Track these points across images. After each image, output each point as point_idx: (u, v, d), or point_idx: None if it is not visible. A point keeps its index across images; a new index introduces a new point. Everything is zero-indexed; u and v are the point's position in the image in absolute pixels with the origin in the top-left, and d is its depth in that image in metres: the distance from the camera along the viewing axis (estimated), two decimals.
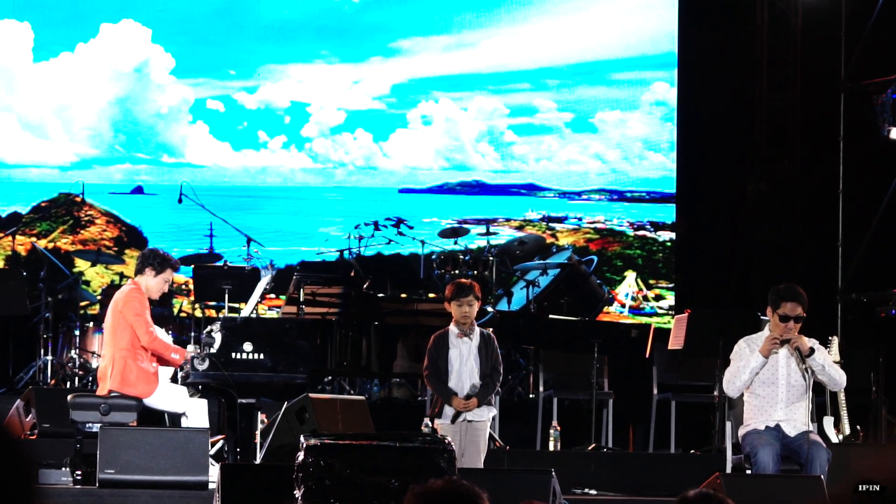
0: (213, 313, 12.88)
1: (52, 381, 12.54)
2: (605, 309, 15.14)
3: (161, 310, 12.39)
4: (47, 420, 10.84)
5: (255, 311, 11.74)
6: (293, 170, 15.62)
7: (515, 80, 15.81)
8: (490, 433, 10.05)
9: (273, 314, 13.90)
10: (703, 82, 15.36)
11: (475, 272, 13.45)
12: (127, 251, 14.96)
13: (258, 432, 10.24)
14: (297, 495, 7.62)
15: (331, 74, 15.65)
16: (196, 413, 10.01)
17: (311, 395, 10.64)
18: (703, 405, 12.08)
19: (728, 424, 9.53)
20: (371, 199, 15.68)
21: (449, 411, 9.48)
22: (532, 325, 12.84)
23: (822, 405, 10.71)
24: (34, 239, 14.75)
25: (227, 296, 12.40)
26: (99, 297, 13.38)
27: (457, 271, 13.38)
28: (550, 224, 15.73)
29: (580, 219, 15.77)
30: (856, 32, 14.05)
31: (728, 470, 9.37)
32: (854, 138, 14.26)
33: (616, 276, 15.58)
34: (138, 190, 15.32)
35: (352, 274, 13.63)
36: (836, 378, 9.18)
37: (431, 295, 13.26)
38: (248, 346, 10.84)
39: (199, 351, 10.50)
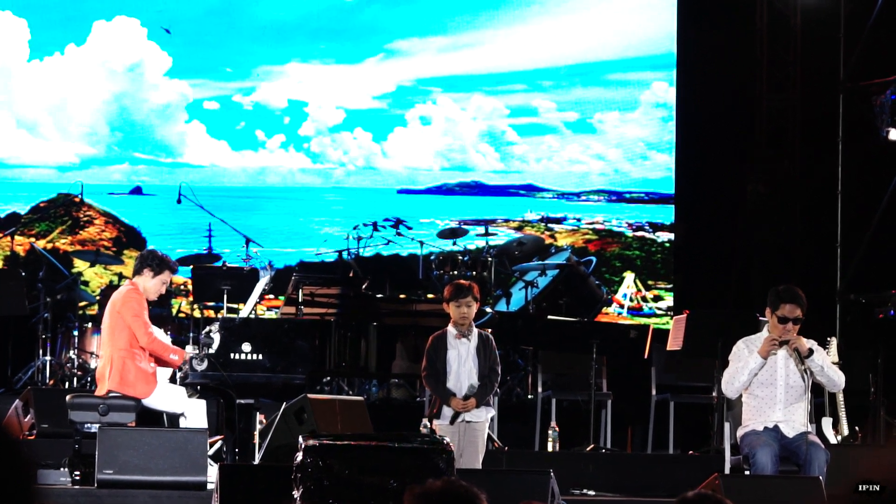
0: (211, 314, 12.88)
1: (51, 382, 12.54)
2: (604, 310, 15.13)
3: (160, 310, 12.39)
4: (46, 420, 10.83)
5: (253, 312, 11.76)
6: (292, 170, 15.62)
7: (515, 80, 15.82)
8: (488, 434, 10.07)
9: (272, 315, 13.90)
10: (703, 83, 15.35)
11: (474, 273, 13.45)
12: (126, 252, 14.94)
13: (257, 433, 10.24)
14: (295, 496, 7.63)
15: (330, 74, 15.65)
16: (195, 413, 10.00)
17: (310, 395, 10.63)
18: (702, 406, 12.07)
19: (727, 425, 9.56)
20: (370, 199, 15.68)
21: (447, 412, 9.50)
22: (531, 326, 12.84)
23: (820, 406, 10.73)
24: (33, 239, 14.74)
25: (225, 296, 12.39)
26: (98, 298, 13.38)
27: (455, 272, 13.38)
28: (549, 225, 15.72)
29: (579, 219, 15.77)
30: (855, 33, 14.04)
31: (727, 471, 9.40)
32: (853, 139, 14.25)
33: (615, 276, 15.58)
34: (137, 190, 15.31)
35: (350, 274, 13.62)
36: (835, 379, 9.19)
37: (430, 296, 13.25)
38: (246, 347, 10.85)
39: (197, 351, 10.50)
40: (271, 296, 13.67)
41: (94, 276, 14.65)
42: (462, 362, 9.57)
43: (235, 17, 15.67)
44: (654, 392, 12.51)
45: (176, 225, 15.07)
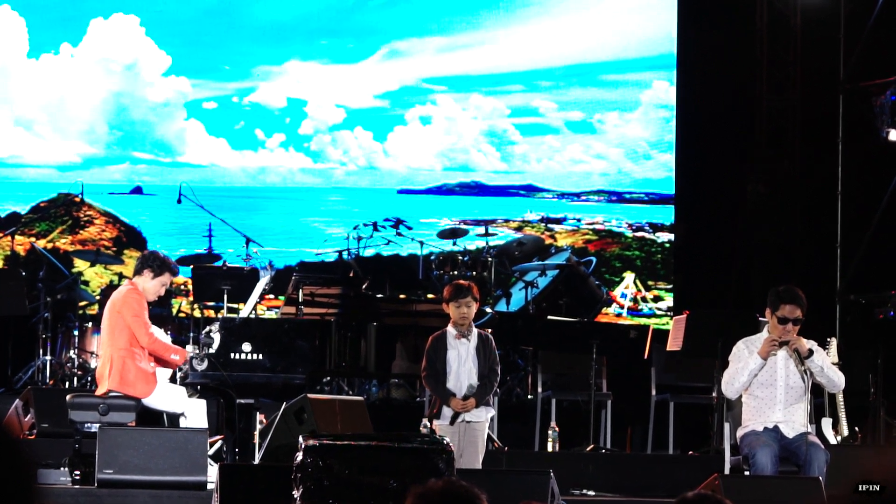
0: (211, 314, 12.89)
1: (51, 381, 12.55)
2: (604, 310, 15.14)
3: (160, 310, 12.40)
4: (46, 420, 10.84)
5: (253, 312, 11.77)
6: (292, 170, 15.63)
7: (515, 80, 15.83)
8: (488, 434, 10.07)
9: (272, 315, 13.91)
10: (703, 83, 15.36)
11: (474, 273, 13.45)
12: (126, 251, 14.95)
13: (257, 433, 10.25)
14: (295, 496, 7.64)
15: (329, 74, 15.65)
16: (195, 413, 10.01)
17: (310, 395, 10.62)
18: (702, 406, 12.08)
19: (726, 426, 9.56)
20: (370, 199, 15.69)
21: (447, 412, 9.50)
22: (531, 326, 12.86)
23: (820, 406, 10.73)
24: (33, 239, 14.74)
25: (225, 296, 12.40)
26: (98, 298, 13.38)
27: (455, 272, 13.38)
28: (549, 225, 15.73)
29: (579, 220, 15.77)
30: (855, 34, 14.05)
31: (726, 471, 9.40)
32: (853, 139, 14.26)
33: (615, 277, 15.59)
34: (137, 190, 15.31)
35: (350, 274, 13.63)
36: (835, 380, 9.20)
37: (430, 296, 13.27)
38: (246, 347, 10.87)
39: (198, 351, 10.51)
40: (271, 296, 13.67)
41: (95, 276, 14.65)
42: (462, 362, 9.58)
43: (235, 17, 15.68)
44: (653, 392, 12.52)
45: (176, 225, 15.07)
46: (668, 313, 15.10)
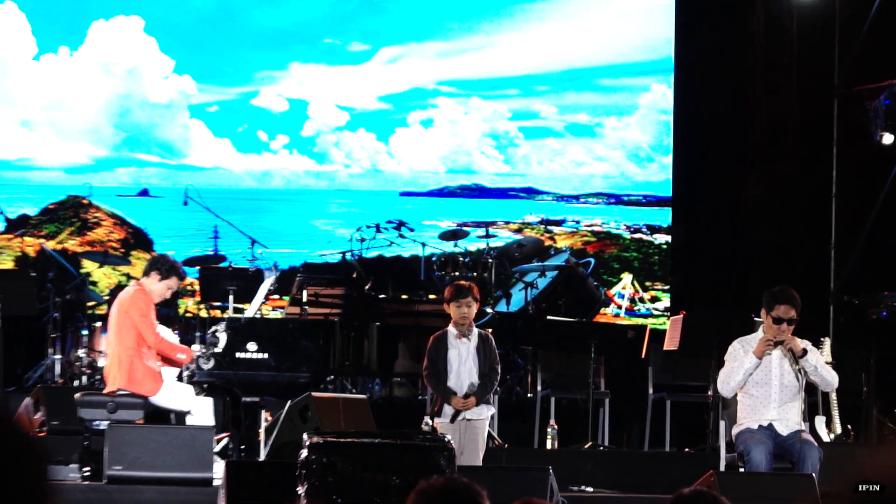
0: (218, 314, 12.87)
1: (61, 380, 12.54)
2: (602, 310, 15.11)
3: (167, 310, 12.39)
4: (56, 418, 10.90)
5: (259, 312, 11.80)
6: (296, 172, 15.62)
7: (516, 84, 15.84)
8: (489, 431, 10.10)
9: (277, 315, 13.90)
10: (701, 87, 15.33)
11: (474, 274, 13.41)
12: (133, 253, 14.93)
13: (262, 430, 10.29)
14: (300, 492, 7.69)
15: (333, 77, 15.66)
16: (201, 411, 10.07)
17: (314, 393, 10.67)
18: (698, 405, 12.07)
19: (722, 424, 9.56)
20: (373, 201, 15.69)
21: (448, 410, 9.53)
22: (530, 326, 12.88)
23: (814, 405, 10.73)
24: (42, 240, 14.72)
25: (231, 296, 12.43)
26: (106, 298, 13.33)
27: (456, 273, 13.34)
28: (549, 227, 15.69)
29: (578, 222, 15.74)
30: (850, 39, 13.99)
31: (722, 468, 9.42)
32: (847, 143, 14.21)
33: (613, 278, 15.58)
34: (144, 193, 15.29)
35: (354, 275, 13.61)
36: (829, 379, 9.24)
37: (432, 296, 13.20)
38: (252, 346, 10.93)
39: (204, 350, 10.60)
40: (276, 296, 13.64)
41: (103, 277, 14.59)
42: (462, 361, 9.61)
43: (239, 21, 15.66)
44: (651, 391, 12.53)
45: (182, 227, 15.05)
46: (665, 313, 15.07)
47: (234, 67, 15.59)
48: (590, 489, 10.58)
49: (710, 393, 11.14)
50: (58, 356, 12.68)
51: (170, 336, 10.38)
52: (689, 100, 15.44)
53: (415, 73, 15.70)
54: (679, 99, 15.53)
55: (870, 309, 12.83)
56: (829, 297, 13.97)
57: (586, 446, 11.65)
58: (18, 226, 14.65)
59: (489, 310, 13.31)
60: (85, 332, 12.70)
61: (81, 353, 12.67)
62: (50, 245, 14.54)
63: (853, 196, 14.21)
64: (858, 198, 14.11)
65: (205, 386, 10.78)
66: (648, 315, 15.39)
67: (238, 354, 10.86)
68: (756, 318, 9.93)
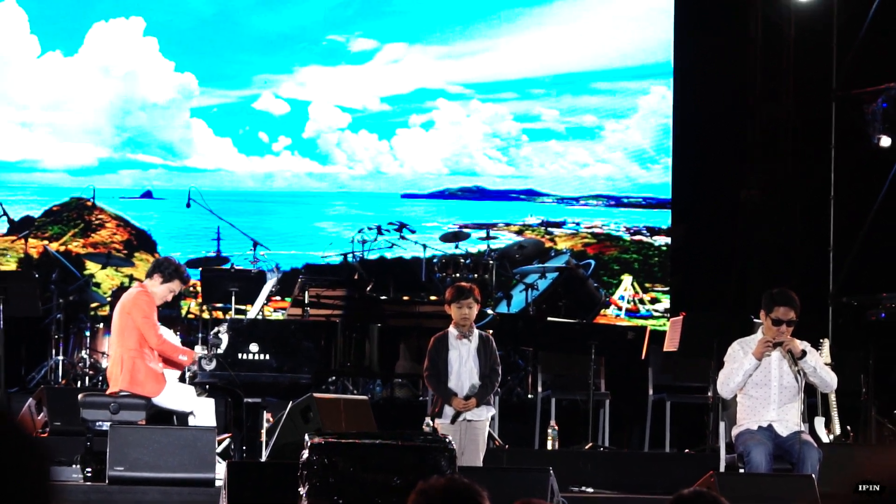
0: (220, 315, 12.92)
1: (63, 381, 12.56)
2: (602, 311, 15.11)
3: (169, 311, 12.39)
4: (58, 418, 10.91)
5: (261, 313, 11.83)
6: (298, 174, 15.64)
7: (517, 87, 15.85)
8: (489, 432, 10.11)
9: (278, 316, 13.90)
10: (700, 89, 15.34)
11: (475, 275, 13.41)
12: (136, 254, 14.94)
13: (264, 431, 10.28)
14: (301, 492, 7.71)
15: (334, 79, 15.69)
16: (203, 412, 10.07)
17: (316, 394, 10.66)
18: (698, 406, 12.08)
19: (722, 424, 9.55)
20: (374, 203, 15.70)
21: (449, 411, 9.55)
22: (531, 327, 12.91)
23: (813, 406, 10.72)
24: (46, 242, 14.75)
25: (233, 298, 12.45)
26: (109, 299, 13.31)
27: (457, 274, 13.33)
28: (549, 229, 15.70)
29: (578, 224, 15.74)
30: (847, 43, 13.99)
31: (722, 469, 9.41)
32: (845, 146, 14.22)
33: (613, 279, 15.59)
34: (147, 194, 15.31)
35: (355, 277, 13.62)
36: (828, 380, 9.25)
37: (433, 297, 13.22)
38: (254, 347, 10.96)
39: (206, 352, 10.63)
40: (278, 297, 13.64)
41: (106, 278, 14.59)
42: (463, 362, 9.63)
43: (241, 24, 15.66)
44: (651, 392, 12.54)
45: (185, 228, 15.06)
46: (665, 315, 15.07)
47: (236, 70, 15.61)
48: (590, 490, 10.58)
49: (709, 394, 11.15)
50: (61, 357, 12.69)
51: (171, 338, 10.40)
52: (689, 102, 15.45)
53: (417, 75, 15.71)
54: (678, 101, 15.55)
55: (868, 310, 12.87)
56: (828, 298, 13.97)
57: (587, 447, 11.67)
58: (22, 227, 14.66)
59: (490, 311, 13.30)
60: (88, 334, 12.73)
61: (84, 354, 12.69)
62: (53, 247, 14.56)
63: (851, 198, 14.22)
64: (856, 200, 14.12)
65: (207, 387, 10.79)
66: (648, 316, 15.40)
67: (240, 355, 10.89)
68: (755, 320, 9.94)
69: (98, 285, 14.42)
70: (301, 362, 11.10)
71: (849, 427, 11.27)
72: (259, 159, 15.55)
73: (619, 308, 15.46)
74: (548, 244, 15.65)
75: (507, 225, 15.74)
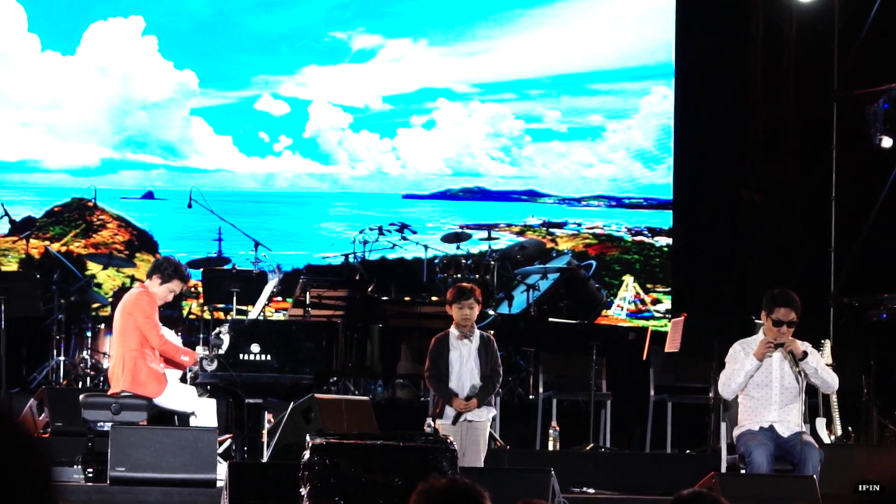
0: (221, 315, 12.94)
1: (65, 381, 12.57)
2: (604, 312, 15.12)
3: (171, 312, 12.43)
4: (60, 419, 10.92)
5: (262, 314, 11.84)
6: (299, 174, 15.66)
7: (519, 87, 15.86)
8: (490, 433, 10.11)
9: (280, 316, 13.91)
10: (701, 89, 15.36)
11: (477, 276, 13.44)
12: (138, 255, 14.96)
13: (265, 431, 10.30)
14: (303, 493, 7.72)
15: (336, 79, 15.71)
16: (205, 413, 10.08)
17: (317, 395, 10.66)
18: (699, 406, 12.09)
19: (723, 425, 9.56)
20: (376, 203, 15.71)
21: (450, 412, 9.56)
22: (532, 328, 12.92)
23: (814, 407, 10.73)
24: (47, 242, 14.76)
25: (235, 298, 12.47)
26: (110, 300, 13.32)
27: (459, 275, 13.36)
28: (550, 229, 15.71)
29: (579, 224, 15.75)
30: (848, 43, 14.00)
31: (723, 469, 9.43)
32: (846, 146, 14.25)
33: (614, 280, 15.59)
34: (149, 195, 15.33)
35: (357, 277, 13.65)
36: (829, 381, 9.27)
37: (434, 298, 13.20)
38: (255, 348, 10.96)
39: (208, 352, 10.64)
40: (279, 298, 13.66)
41: (107, 279, 14.60)
42: (464, 363, 9.63)
43: (240, 24, 15.70)
44: (652, 393, 12.56)
45: (186, 229, 15.06)
46: (667, 315, 15.08)
47: (235, 70, 15.62)
48: (591, 490, 10.59)
49: (711, 395, 11.16)
50: (62, 358, 12.70)
51: (173, 338, 10.41)
52: (690, 102, 15.46)
53: (419, 74, 15.72)
54: (679, 102, 15.56)
55: (869, 311, 12.88)
56: (829, 299, 13.99)
57: (588, 448, 11.69)
58: (24, 227, 14.67)
59: (491, 311, 13.31)
60: (89, 334, 12.74)
61: (85, 354, 12.71)
62: (55, 247, 14.57)
63: (852, 199, 14.24)
64: (857, 200, 14.14)
65: (208, 387, 10.80)
66: (650, 317, 15.41)
67: (241, 356, 10.89)
68: (756, 321, 9.94)
69: (99, 286, 14.43)
70: (302, 363, 11.11)
71: (850, 428, 11.28)
72: (260, 160, 15.56)
73: (621, 309, 15.45)
74: (549, 245, 15.66)
75: (509, 225, 15.75)
